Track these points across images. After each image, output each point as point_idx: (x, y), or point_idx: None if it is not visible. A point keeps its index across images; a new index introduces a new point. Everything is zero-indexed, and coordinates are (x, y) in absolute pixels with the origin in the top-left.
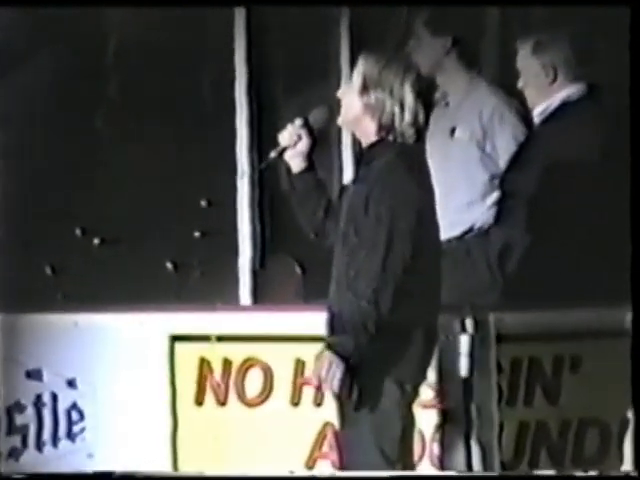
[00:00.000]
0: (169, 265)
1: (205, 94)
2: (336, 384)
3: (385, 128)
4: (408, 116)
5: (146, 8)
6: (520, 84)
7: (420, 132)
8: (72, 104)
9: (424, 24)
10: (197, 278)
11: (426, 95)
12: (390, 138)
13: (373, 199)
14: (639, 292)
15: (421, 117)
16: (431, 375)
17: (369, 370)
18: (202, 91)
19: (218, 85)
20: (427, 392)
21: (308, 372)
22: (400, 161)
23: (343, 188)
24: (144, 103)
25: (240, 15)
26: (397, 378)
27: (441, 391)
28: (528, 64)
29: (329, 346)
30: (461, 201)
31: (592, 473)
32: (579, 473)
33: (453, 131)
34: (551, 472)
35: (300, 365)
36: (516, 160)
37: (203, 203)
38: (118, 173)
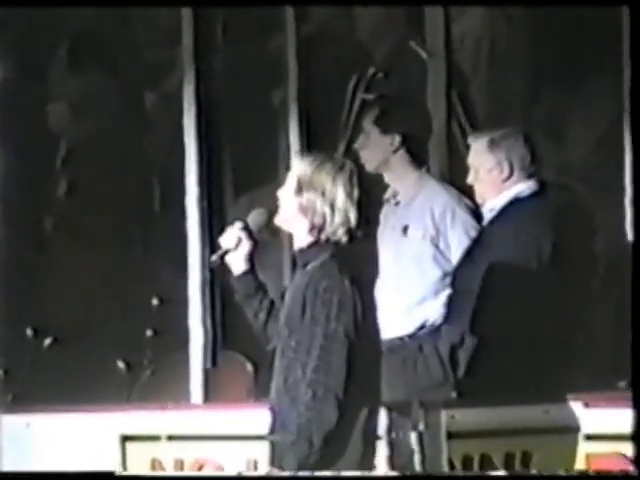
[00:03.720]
0: (121, 364)
1: (155, 193)
2: None
3: (317, 228)
4: (338, 217)
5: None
6: (470, 180)
7: (352, 232)
8: (22, 206)
9: (373, 121)
10: (148, 377)
11: (361, 195)
12: (322, 238)
13: (308, 303)
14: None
15: (352, 217)
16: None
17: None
18: (152, 190)
19: (168, 183)
20: None
21: (260, 471)
22: (334, 262)
23: (285, 289)
24: (94, 203)
25: (190, 113)
26: None
27: None
28: (482, 160)
29: (273, 462)
30: (414, 298)
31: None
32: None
33: (406, 229)
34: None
35: (252, 464)
36: (467, 257)
37: (155, 302)
38: (69, 273)
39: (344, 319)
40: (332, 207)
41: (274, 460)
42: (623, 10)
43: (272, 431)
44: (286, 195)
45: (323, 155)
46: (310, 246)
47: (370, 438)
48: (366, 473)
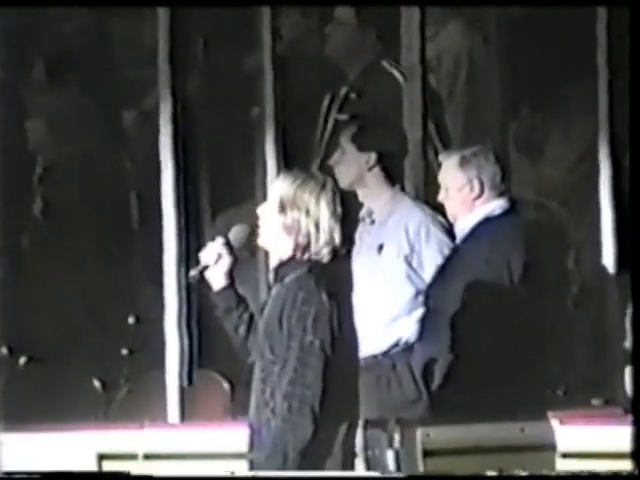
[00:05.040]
0: (97, 383)
1: (132, 211)
2: None
3: (301, 248)
4: (323, 236)
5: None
6: (440, 197)
7: (336, 251)
8: None
9: (350, 138)
10: (124, 396)
11: (343, 213)
12: (305, 257)
13: (285, 315)
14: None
15: (337, 236)
16: None
17: None
18: (129, 208)
19: (145, 201)
20: None
21: None
22: (312, 276)
23: (264, 304)
24: (70, 221)
25: (166, 131)
26: None
27: None
28: (452, 178)
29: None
30: (387, 316)
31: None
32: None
33: (381, 248)
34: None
35: None
36: (440, 276)
37: (131, 320)
38: (45, 291)
39: (320, 332)
40: (317, 226)
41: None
42: (598, 29)
43: (251, 448)
44: (268, 214)
45: (304, 174)
46: (288, 260)
47: (349, 454)
48: None
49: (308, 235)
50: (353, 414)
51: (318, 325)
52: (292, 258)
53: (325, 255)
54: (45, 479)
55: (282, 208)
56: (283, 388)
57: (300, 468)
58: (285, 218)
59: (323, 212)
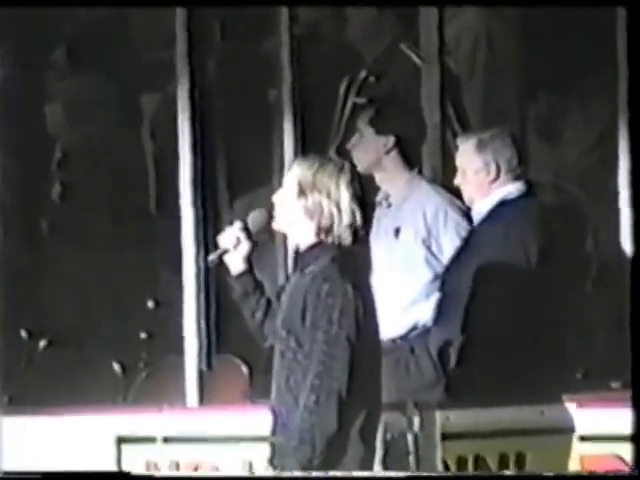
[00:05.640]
0: (116, 366)
1: (150, 195)
2: None
3: (324, 230)
4: (346, 217)
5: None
6: (457, 181)
7: (357, 233)
8: (17, 207)
9: (368, 122)
10: (143, 379)
11: (362, 195)
12: (329, 240)
13: (309, 306)
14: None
15: (358, 217)
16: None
17: None
18: (147, 192)
19: (163, 185)
20: None
21: (256, 473)
22: (335, 266)
23: (281, 289)
24: (89, 205)
25: (184, 115)
26: None
27: None
28: (469, 161)
29: (273, 463)
30: (405, 300)
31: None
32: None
33: (398, 231)
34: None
35: (248, 466)
36: (456, 260)
37: (150, 304)
38: (64, 275)
39: (346, 323)
40: (338, 208)
41: (274, 461)
42: (619, 10)
43: (273, 432)
44: (287, 199)
45: (321, 157)
46: (310, 248)
47: (369, 439)
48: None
49: (331, 217)
50: (375, 400)
51: (344, 317)
52: (313, 246)
53: (347, 237)
54: (46, 479)
55: (301, 192)
56: (309, 381)
57: (326, 457)
58: (306, 202)
59: (343, 194)
